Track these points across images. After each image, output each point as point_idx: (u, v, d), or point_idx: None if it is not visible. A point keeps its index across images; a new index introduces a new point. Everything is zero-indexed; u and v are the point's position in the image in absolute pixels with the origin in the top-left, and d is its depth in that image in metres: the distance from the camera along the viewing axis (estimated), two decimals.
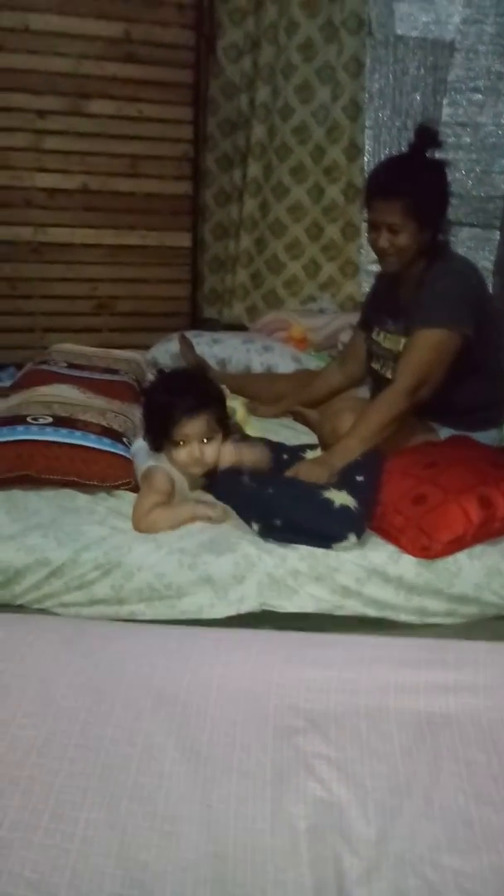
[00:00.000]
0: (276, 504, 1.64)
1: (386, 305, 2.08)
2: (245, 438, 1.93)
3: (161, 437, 1.70)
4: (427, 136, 1.88)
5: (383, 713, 1.15)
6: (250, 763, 1.05)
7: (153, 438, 1.72)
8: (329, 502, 1.63)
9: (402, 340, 1.96)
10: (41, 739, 1.05)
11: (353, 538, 1.59)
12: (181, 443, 1.67)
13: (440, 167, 1.89)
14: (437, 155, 1.91)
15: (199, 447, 1.68)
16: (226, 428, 1.75)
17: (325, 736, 1.10)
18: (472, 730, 1.12)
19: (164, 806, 0.97)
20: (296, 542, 1.61)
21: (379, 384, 2.07)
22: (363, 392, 2.26)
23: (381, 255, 1.95)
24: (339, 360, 2.38)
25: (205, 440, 1.68)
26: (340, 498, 1.64)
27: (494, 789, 1.01)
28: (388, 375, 2.01)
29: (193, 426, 1.67)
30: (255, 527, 1.63)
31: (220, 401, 1.74)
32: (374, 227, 1.92)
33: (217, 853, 0.91)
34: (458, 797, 1.00)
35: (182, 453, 1.68)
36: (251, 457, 1.79)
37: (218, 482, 1.76)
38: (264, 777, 1.03)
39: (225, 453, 1.76)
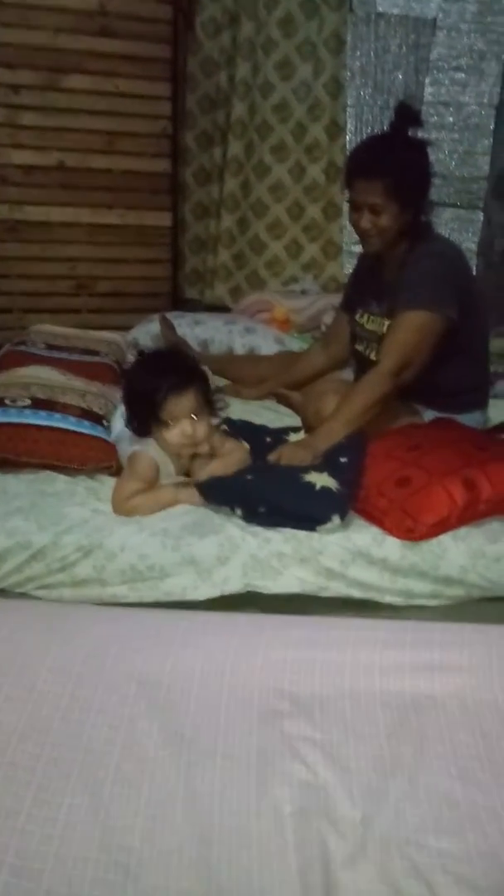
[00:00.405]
0: (258, 491, 1.62)
1: (369, 287, 2.06)
2: (225, 430, 1.87)
3: (148, 420, 1.65)
4: (408, 114, 1.85)
5: (368, 695, 1.15)
6: (235, 747, 1.04)
7: (139, 423, 1.67)
8: (310, 485, 1.62)
9: (386, 322, 1.95)
10: (23, 724, 1.03)
11: (336, 520, 1.59)
12: (170, 423, 1.63)
13: (422, 146, 1.86)
14: (419, 134, 1.88)
15: (191, 424, 1.63)
16: (211, 407, 1.71)
17: (309, 718, 1.10)
18: (458, 711, 1.12)
19: (148, 791, 0.96)
20: (280, 526, 1.60)
21: (363, 366, 2.06)
22: (347, 374, 2.25)
23: (363, 235, 1.92)
24: (322, 342, 2.35)
25: (193, 416, 1.63)
26: (322, 480, 1.63)
27: (480, 770, 1.01)
28: (373, 357, 1.99)
29: (181, 403, 1.61)
30: (239, 512, 1.62)
31: (204, 379, 1.70)
32: (355, 207, 1.90)
33: (202, 837, 0.90)
34: (444, 779, 1.00)
35: (173, 433, 1.64)
36: (230, 468, 1.73)
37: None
38: (249, 760, 1.02)
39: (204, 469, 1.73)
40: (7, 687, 1.10)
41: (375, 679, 1.17)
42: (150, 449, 1.69)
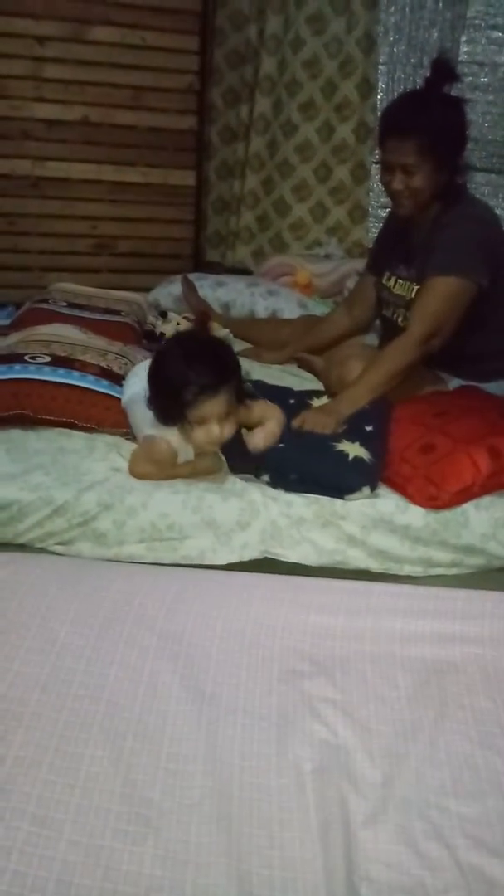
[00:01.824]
0: (290, 458, 1.60)
1: (398, 249, 2.00)
2: (252, 394, 1.77)
3: (173, 414, 1.52)
4: (444, 69, 1.78)
5: (389, 660, 1.14)
6: (255, 705, 1.04)
7: (164, 414, 1.54)
8: (343, 455, 1.60)
9: (415, 287, 1.90)
10: (45, 677, 1.04)
11: (366, 490, 1.58)
12: (196, 424, 1.52)
13: (458, 104, 1.79)
14: (455, 91, 1.81)
15: (219, 427, 1.52)
16: (241, 396, 1.59)
17: (330, 680, 1.10)
18: (479, 678, 1.11)
19: (169, 744, 0.97)
20: (308, 493, 1.59)
21: (389, 331, 2.02)
22: (370, 339, 2.21)
23: (395, 197, 1.87)
24: (346, 305, 2.30)
25: (224, 417, 1.53)
26: (354, 450, 1.61)
27: (500, 736, 1.01)
28: (400, 323, 1.95)
29: (212, 407, 1.49)
30: (266, 478, 1.60)
31: (238, 371, 1.57)
32: (387, 167, 1.83)
33: (222, 792, 0.91)
34: (464, 743, 1.00)
35: (199, 434, 1.52)
36: (272, 437, 1.66)
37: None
38: (269, 719, 1.02)
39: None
40: (30, 639, 1.10)
41: (396, 644, 1.17)
42: (169, 436, 1.58)
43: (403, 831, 0.88)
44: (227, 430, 1.55)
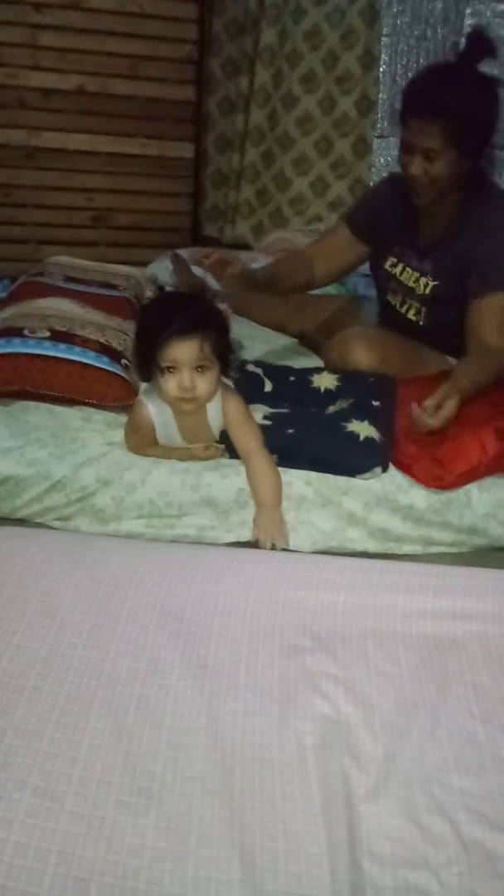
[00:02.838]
0: (301, 444, 1.58)
1: (403, 231, 1.89)
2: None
3: (149, 361, 1.48)
4: (481, 43, 1.62)
5: (391, 636, 1.14)
6: (256, 679, 1.04)
7: (141, 364, 1.53)
8: (354, 435, 1.59)
9: (432, 284, 1.82)
10: (45, 650, 1.03)
11: (378, 471, 1.57)
12: (169, 370, 1.47)
13: (493, 85, 1.63)
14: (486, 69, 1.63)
15: (190, 376, 1.45)
16: (225, 362, 1.53)
17: (331, 655, 1.09)
18: (480, 654, 1.11)
19: (171, 718, 0.97)
20: (316, 471, 1.58)
21: (395, 320, 1.96)
22: (371, 315, 2.18)
23: (412, 182, 1.72)
24: (307, 258, 2.04)
25: (198, 369, 1.47)
26: (364, 430, 1.59)
27: (502, 712, 1.01)
28: (411, 317, 1.89)
29: (183, 350, 1.43)
30: (275, 458, 1.58)
31: (220, 328, 1.50)
32: (407, 149, 1.68)
33: (224, 766, 0.91)
34: (466, 719, 1.00)
35: (170, 382, 1.47)
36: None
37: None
38: (271, 693, 1.02)
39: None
40: (30, 614, 1.10)
41: (398, 621, 1.17)
42: (151, 403, 1.56)
43: (405, 806, 0.88)
44: (201, 385, 1.47)
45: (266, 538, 1.51)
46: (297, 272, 2.02)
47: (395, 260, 1.93)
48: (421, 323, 1.90)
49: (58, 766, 0.89)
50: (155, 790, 0.87)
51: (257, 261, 2.84)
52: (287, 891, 0.78)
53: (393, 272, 1.94)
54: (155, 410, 1.57)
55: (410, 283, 1.89)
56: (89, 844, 0.81)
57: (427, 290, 1.85)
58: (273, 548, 1.50)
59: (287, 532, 1.54)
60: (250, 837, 0.83)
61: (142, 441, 1.61)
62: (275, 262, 2.08)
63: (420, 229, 1.87)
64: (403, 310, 1.94)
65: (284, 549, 1.50)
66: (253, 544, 1.53)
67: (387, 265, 1.96)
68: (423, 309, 1.88)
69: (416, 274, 1.87)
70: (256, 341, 2.22)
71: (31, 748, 0.90)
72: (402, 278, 1.92)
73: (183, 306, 1.49)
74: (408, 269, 1.90)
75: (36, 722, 0.93)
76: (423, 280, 1.86)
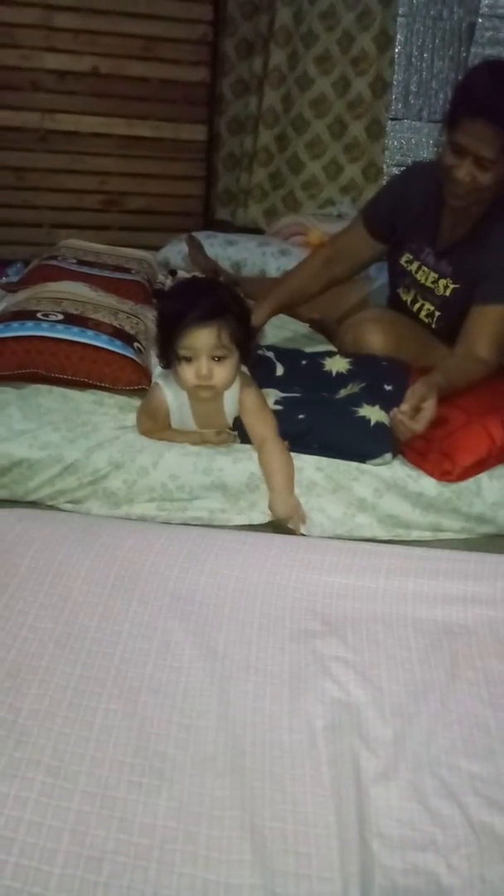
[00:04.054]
0: (312, 429, 1.58)
1: (422, 228, 1.84)
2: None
3: (168, 349, 1.49)
4: None
5: (401, 620, 1.15)
6: (267, 663, 1.05)
7: (161, 351, 1.54)
8: (365, 420, 1.58)
9: (451, 286, 1.79)
10: (58, 631, 1.04)
11: (388, 457, 1.57)
12: (187, 358, 1.47)
13: None
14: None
15: (207, 364, 1.45)
16: (245, 350, 1.51)
17: (342, 639, 1.10)
18: (490, 640, 1.11)
19: (182, 700, 0.97)
20: (327, 457, 1.58)
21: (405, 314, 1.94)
22: (380, 299, 2.16)
23: (455, 185, 1.62)
24: (325, 259, 1.98)
25: (215, 358, 1.47)
26: (375, 415, 1.59)
27: None
28: (423, 317, 1.87)
29: (201, 338, 1.43)
30: (286, 443, 1.58)
31: (241, 316, 1.49)
32: (456, 151, 1.57)
33: (235, 748, 0.92)
34: (475, 703, 1.00)
35: (187, 370, 1.47)
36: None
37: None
38: (281, 676, 1.03)
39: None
40: (42, 595, 1.10)
41: (408, 606, 1.17)
42: (168, 388, 1.57)
43: (415, 789, 0.88)
44: (219, 374, 1.47)
45: (293, 522, 1.51)
46: (313, 283, 1.98)
47: (410, 257, 1.89)
48: (433, 326, 1.88)
49: (71, 745, 0.90)
50: (167, 771, 0.88)
51: (270, 244, 2.82)
52: (297, 871, 0.79)
53: (408, 269, 1.90)
54: (171, 395, 1.57)
55: (427, 283, 1.85)
56: (102, 823, 0.82)
57: (447, 293, 1.81)
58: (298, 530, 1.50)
59: (304, 513, 1.54)
60: (260, 819, 0.84)
61: (155, 425, 1.61)
62: (290, 287, 2.00)
63: (441, 229, 1.82)
64: (415, 308, 1.90)
65: (297, 535, 1.50)
66: (265, 527, 1.54)
67: (402, 260, 1.91)
68: (438, 313, 1.85)
69: (434, 274, 1.83)
70: (268, 325, 2.21)
71: (44, 728, 0.91)
72: (417, 276, 1.87)
73: (201, 294, 1.48)
74: (424, 267, 1.86)
75: (49, 702, 0.94)
76: (442, 282, 1.81)
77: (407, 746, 0.93)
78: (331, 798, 0.86)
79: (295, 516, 1.52)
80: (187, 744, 0.91)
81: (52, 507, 1.57)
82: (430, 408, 1.51)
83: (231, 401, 1.57)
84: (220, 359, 1.47)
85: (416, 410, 1.52)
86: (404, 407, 1.51)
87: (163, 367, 1.57)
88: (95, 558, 1.19)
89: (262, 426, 1.57)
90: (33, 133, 3.07)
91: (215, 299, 1.46)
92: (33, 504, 1.56)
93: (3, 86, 2.98)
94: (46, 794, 0.84)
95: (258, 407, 1.58)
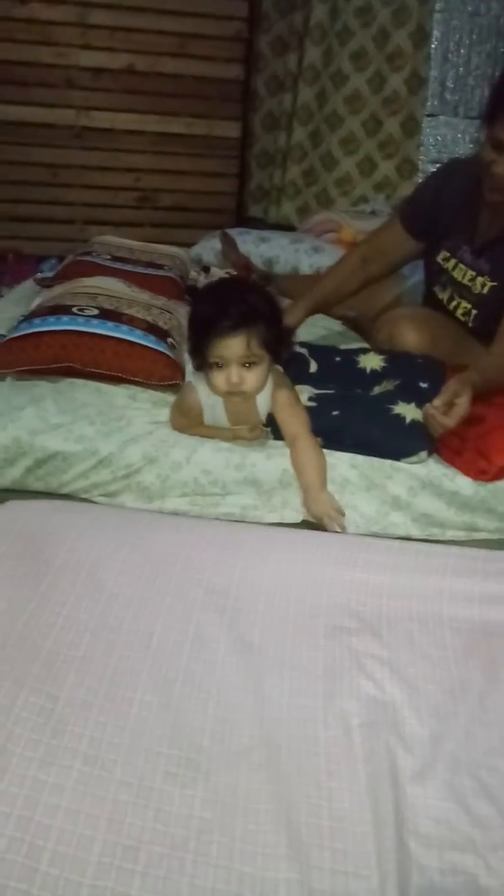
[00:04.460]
0: (346, 426, 1.57)
1: (459, 225, 1.82)
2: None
3: (199, 356, 1.50)
4: None
5: (436, 619, 1.13)
6: (302, 658, 1.04)
7: (193, 355, 1.54)
8: (400, 418, 1.57)
9: (489, 284, 1.77)
10: (94, 623, 1.05)
11: (423, 455, 1.55)
12: (218, 365, 1.48)
13: None
14: None
15: (238, 372, 1.46)
16: (276, 352, 1.51)
17: (377, 637, 1.09)
18: None
19: (217, 693, 0.97)
20: (362, 454, 1.56)
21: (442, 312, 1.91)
22: (414, 297, 2.14)
23: (494, 181, 1.63)
24: (361, 258, 1.97)
25: (246, 364, 1.46)
26: (411, 412, 1.57)
27: None
28: (459, 317, 1.84)
29: (230, 347, 1.44)
30: (319, 440, 1.57)
31: (272, 319, 1.49)
32: (497, 146, 1.57)
33: (270, 742, 0.91)
34: None
35: (218, 377, 1.48)
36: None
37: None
38: (316, 672, 1.02)
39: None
40: (79, 586, 1.11)
41: (444, 604, 1.16)
42: (200, 387, 1.57)
43: (452, 788, 0.87)
44: (249, 380, 1.48)
45: (327, 519, 1.48)
46: (349, 283, 1.97)
47: (447, 254, 1.87)
48: (470, 325, 1.86)
49: (107, 735, 0.90)
50: (202, 763, 0.88)
51: (303, 241, 2.82)
52: (333, 867, 0.79)
53: (445, 266, 1.88)
54: (204, 394, 1.57)
55: (465, 281, 1.83)
56: (138, 813, 0.83)
57: (485, 290, 1.78)
58: (336, 528, 1.48)
59: (340, 506, 1.52)
60: (296, 813, 0.84)
61: (188, 422, 1.61)
62: (326, 288, 1.99)
63: (478, 226, 1.80)
64: (451, 306, 1.88)
65: (331, 532, 1.49)
66: (301, 525, 1.53)
67: (439, 258, 1.89)
68: (475, 311, 1.83)
69: (472, 272, 1.81)
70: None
71: (81, 717, 0.91)
72: (454, 274, 1.85)
73: (231, 299, 1.47)
74: (461, 265, 1.83)
75: (86, 691, 0.95)
76: (479, 280, 1.79)
77: (444, 746, 0.92)
78: (367, 795, 0.85)
79: (328, 514, 1.51)
80: (223, 737, 0.91)
81: (85, 500, 1.59)
82: (463, 404, 1.49)
83: (264, 398, 1.57)
84: (249, 365, 1.47)
85: (449, 406, 1.50)
86: (437, 402, 1.50)
87: (195, 370, 1.57)
88: (130, 551, 1.19)
89: (295, 423, 1.56)
90: (68, 130, 3.10)
91: (245, 306, 1.45)
92: (68, 496, 1.57)
93: (38, 83, 3.02)
94: (83, 783, 0.85)
95: (291, 404, 1.58)
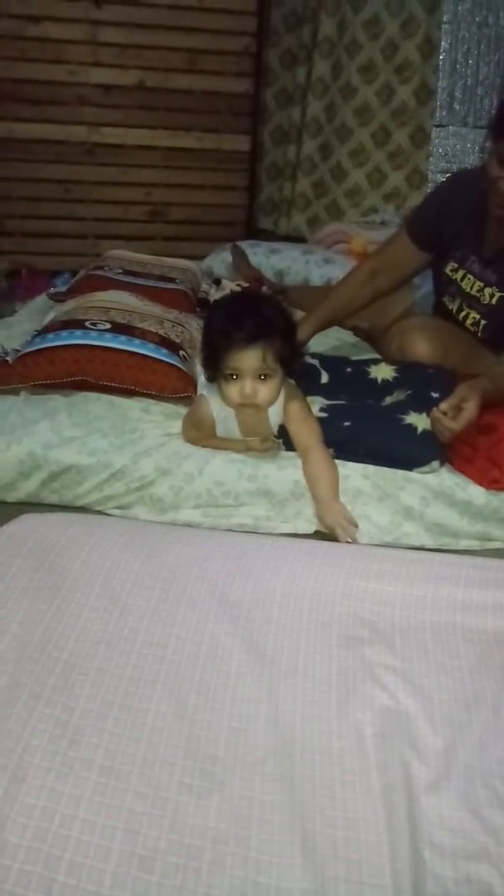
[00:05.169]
0: (358, 437, 1.57)
1: (467, 235, 1.83)
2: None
3: (213, 367, 1.51)
4: None
5: (450, 629, 1.13)
6: (315, 669, 1.05)
7: (206, 366, 1.54)
8: (412, 428, 1.57)
9: (498, 294, 1.77)
10: (109, 634, 1.06)
11: (435, 465, 1.56)
12: (232, 377, 1.49)
13: None
14: None
15: (252, 384, 1.47)
16: (289, 366, 1.52)
17: (390, 647, 1.09)
18: None
19: (231, 703, 0.98)
20: (372, 465, 1.57)
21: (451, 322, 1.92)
22: (424, 307, 2.15)
23: (500, 197, 1.64)
24: (369, 272, 1.98)
25: (261, 377, 1.48)
26: (422, 422, 1.58)
27: None
28: (468, 327, 1.84)
29: (245, 360, 1.45)
30: (331, 451, 1.58)
31: (286, 332, 1.50)
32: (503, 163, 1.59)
33: (285, 752, 0.92)
34: None
35: (232, 389, 1.49)
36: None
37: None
38: (330, 683, 1.02)
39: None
40: (93, 598, 1.12)
41: (458, 615, 1.16)
42: (213, 399, 1.58)
43: (467, 799, 0.87)
44: (262, 393, 1.49)
45: (340, 530, 1.49)
46: (358, 298, 1.98)
47: (455, 265, 1.88)
48: (479, 335, 1.86)
49: (122, 745, 0.91)
50: (217, 773, 0.89)
51: (313, 252, 2.83)
52: (348, 877, 0.79)
53: (454, 277, 1.89)
54: (216, 407, 1.58)
55: (473, 292, 1.84)
56: (154, 823, 0.83)
57: (494, 301, 1.79)
58: (348, 538, 1.48)
59: (353, 517, 1.52)
60: (311, 824, 0.84)
61: (200, 434, 1.63)
62: (335, 303, 1.98)
63: (486, 236, 1.80)
64: (461, 317, 1.89)
65: (343, 542, 1.50)
66: (311, 537, 1.54)
67: (447, 269, 1.90)
68: (484, 321, 1.83)
69: (480, 283, 1.81)
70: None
71: (96, 728, 0.92)
72: (462, 285, 1.86)
73: (247, 313, 1.48)
74: (469, 275, 1.84)
75: (101, 703, 0.96)
76: (488, 290, 1.80)
77: (458, 756, 0.92)
78: (381, 805, 0.85)
79: (340, 525, 1.51)
80: (237, 747, 0.92)
81: (99, 513, 1.60)
82: (470, 408, 1.50)
83: (276, 410, 1.58)
84: (265, 377, 1.48)
85: (456, 410, 1.51)
86: (444, 406, 1.51)
87: (208, 381, 1.58)
88: (144, 563, 1.20)
89: (307, 435, 1.57)
90: (80, 146, 3.14)
91: (260, 319, 1.46)
92: (82, 509, 1.59)
93: (51, 101, 3.07)
94: (100, 793, 0.85)
95: (303, 416, 1.59)
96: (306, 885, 0.78)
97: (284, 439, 1.62)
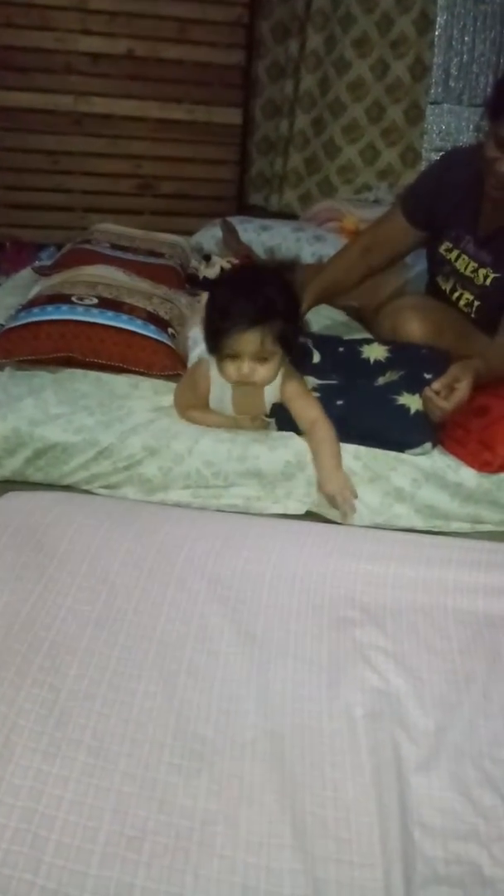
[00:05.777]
0: (350, 417, 1.56)
1: (462, 214, 1.80)
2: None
3: (214, 344, 1.50)
4: None
5: (440, 610, 1.13)
6: (306, 650, 1.04)
7: (208, 340, 1.52)
8: (405, 409, 1.56)
9: (492, 275, 1.75)
10: (97, 614, 1.05)
11: (428, 446, 1.55)
12: (231, 356, 1.48)
13: None
14: None
15: (250, 366, 1.46)
16: (289, 346, 1.51)
17: (381, 628, 1.09)
18: None
19: (221, 684, 0.97)
20: (365, 445, 1.56)
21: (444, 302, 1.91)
22: (417, 286, 2.13)
23: (497, 178, 1.61)
24: (362, 248, 1.94)
25: (259, 359, 1.47)
26: (415, 403, 1.56)
27: None
28: (462, 308, 1.83)
29: (244, 343, 1.43)
30: None
31: (288, 313, 1.48)
32: (501, 144, 1.56)
33: (274, 732, 0.91)
34: None
35: (230, 368, 1.48)
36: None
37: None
38: (320, 664, 1.02)
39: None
40: (80, 578, 1.11)
41: (448, 596, 1.16)
42: (213, 366, 1.57)
43: (457, 779, 0.87)
44: (260, 374, 1.48)
45: (341, 498, 1.47)
46: (350, 275, 1.95)
47: (450, 245, 1.85)
48: (472, 316, 1.84)
49: (111, 726, 0.90)
50: (206, 754, 0.88)
51: (304, 229, 2.80)
52: (339, 857, 0.79)
53: (448, 257, 1.86)
54: (215, 374, 1.56)
55: (467, 272, 1.81)
56: (142, 804, 0.82)
57: (487, 282, 1.77)
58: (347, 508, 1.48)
59: (355, 489, 1.52)
60: (301, 804, 0.84)
61: (193, 398, 1.60)
62: (328, 280, 1.95)
63: (481, 217, 1.78)
64: (454, 297, 1.86)
65: (336, 523, 1.49)
66: (301, 517, 1.53)
67: (441, 249, 1.88)
68: (478, 302, 1.82)
69: (475, 264, 1.79)
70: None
71: (84, 708, 0.91)
72: (457, 265, 1.84)
73: (250, 292, 1.45)
74: (464, 255, 1.82)
75: (89, 683, 0.95)
76: (482, 271, 1.78)
77: (448, 737, 0.92)
78: (371, 786, 0.85)
79: (342, 493, 1.49)
80: (226, 728, 0.91)
81: (87, 492, 1.58)
82: (463, 388, 1.49)
83: (272, 389, 1.57)
84: (263, 360, 1.47)
85: (449, 390, 1.50)
86: (436, 385, 1.50)
87: (209, 353, 1.55)
88: (132, 543, 1.19)
89: (311, 409, 1.56)
90: (67, 116, 3.07)
91: (263, 300, 1.44)
92: (69, 488, 1.57)
93: (37, 69, 2.99)
94: (87, 774, 0.85)
95: (303, 393, 1.58)
96: (296, 865, 0.78)
97: (277, 419, 1.60)
